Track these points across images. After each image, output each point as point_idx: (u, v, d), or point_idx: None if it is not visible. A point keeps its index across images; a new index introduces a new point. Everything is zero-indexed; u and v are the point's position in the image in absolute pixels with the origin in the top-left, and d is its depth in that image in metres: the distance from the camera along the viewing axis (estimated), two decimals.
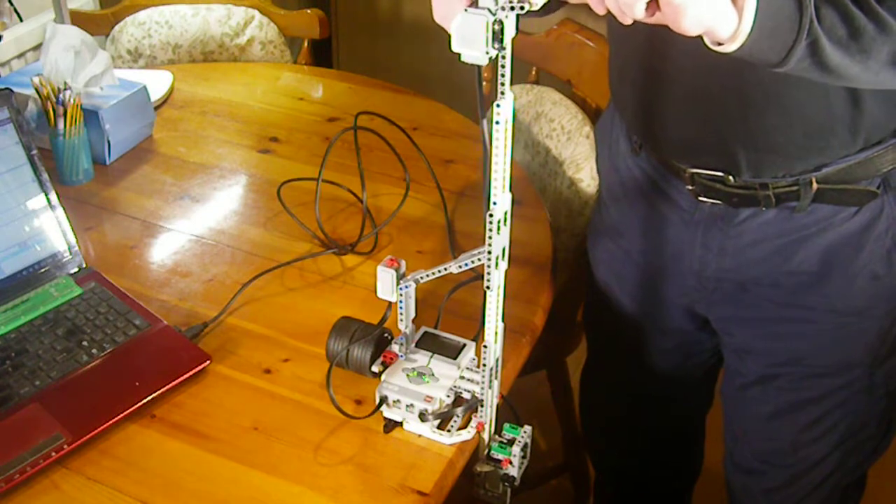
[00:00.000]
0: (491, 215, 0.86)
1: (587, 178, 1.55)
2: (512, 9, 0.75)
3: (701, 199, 1.10)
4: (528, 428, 1.01)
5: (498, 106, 0.81)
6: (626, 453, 1.56)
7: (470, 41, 0.75)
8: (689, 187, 1.10)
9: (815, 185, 1.03)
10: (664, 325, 1.29)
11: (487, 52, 0.75)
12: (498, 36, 0.75)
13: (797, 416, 1.19)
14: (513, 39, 0.77)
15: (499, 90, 0.81)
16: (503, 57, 0.78)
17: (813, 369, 1.15)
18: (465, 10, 0.74)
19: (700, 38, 0.82)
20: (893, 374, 1.15)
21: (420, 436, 1.00)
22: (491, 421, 0.99)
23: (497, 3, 0.74)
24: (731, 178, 1.06)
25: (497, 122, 0.81)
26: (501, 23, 0.75)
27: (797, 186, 1.04)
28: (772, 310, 1.14)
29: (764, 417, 1.22)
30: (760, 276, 1.12)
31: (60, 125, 1.40)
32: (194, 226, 1.36)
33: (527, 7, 0.74)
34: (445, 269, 0.98)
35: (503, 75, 0.79)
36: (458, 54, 0.76)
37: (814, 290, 1.09)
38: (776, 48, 0.82)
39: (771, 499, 1.28)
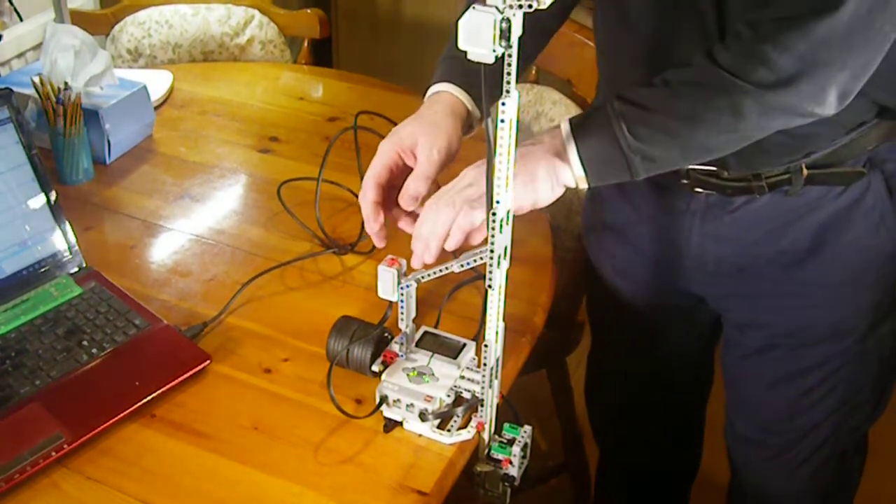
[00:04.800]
0: (494, 214, 0.86)
1: None
2: (520, 7, 0.75)
3: (696, 190, 1.12)
4: (528, 428, 1.01)
5: (503, 104, 0.81)
6: (630, 437, 1.57)
7: (477, 39, 0.75)
8: (684, 181, 1.12)
9: (805, 171, 1.06)
10: (665, 304, 1.31)
11: (494, 50, 0.75)
12: (505, 34, 0.75)
13: (795, 384, 1.21)
14: (519, 38, 0.77)
15: (504, 89, 0.80)
16: (509, 55, 0.78)
17: (809, 339, 1.18)
18: (473, 7, 0.74)
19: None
20: (885, 340, 1.18)
21: (420, 435, 1.00)
22: (491, 421, 0.99)
23: (505, 2, 0.74)
24: (724, 172, 1.09)
25: (502, 121, 0.81)
26: (509, 21, 0.75)
27: (789, 174, 1.07)
28: (768, 286, 1.16)
29: (763, 386, 1.25)
30: (757, 256, 1.14)
31: (60, 125, 1.40)
32: (194, 226, 1.36)
33: (535, 5, 0.74)
34: (447, 269, 0.98)
35: (509, 73, 0.79)
36: (463, 52, 0.76)
37: (807, 264, 1.12)
38: (622, 175, 0.98)
39: (770, 466, 1.31)
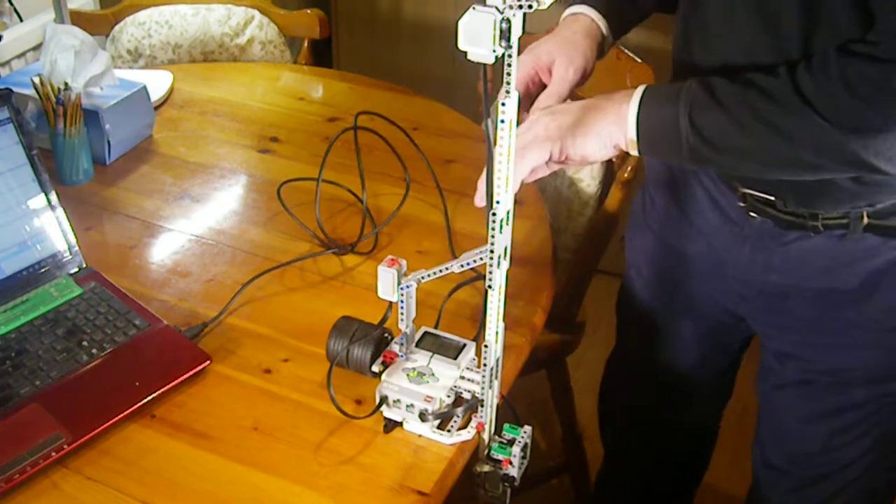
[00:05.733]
0: (494, 214, 0.86)
1: (587, 178, 1.55)
2: (520, 7, 0.74)
3: (751, 214, 1.11)
4: (528, 428, 1.01)
5: (503, 105, 0.81)
6: (638, 443, 1.56)
7: (477, 39, 0.75)
8: (741, 203, 1.11)
9: (865, 220, 1.04)
10: (699, 315, 1.30)
11: (494, 51, 0.75)
12: (505, 34, 0.75)
13: (830, 421, 1.19)
14: (519, 38, 0.77)
15: (504, 89, 0.80)
16: (510, 56, 0.78)
17: (849, 379, 1.16)
18: (474, 7, 0.74)
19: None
20: None
21: (420, 436, 1.00)
22: (491, 421, 0.99)
23: (505, 2, 0.74)
24: (782, 203, 1.07)
25: (502, 122, 0.81)
26: (509, 21, 0.75)
27: (847, 219, 1.04)
28: (812, 321, 1.14)
29: (798, 419, 1.23)
30: (804, 290, 1.12)
31: (60, 125, 1.40)
32: (194, 226, 1.36)
33: (535, 6, 0.74)
34: (447, 269, 0.98)
35: (509, 74, 0.79)
36: (463, 52, 0.76)
37: (857, 306, 1.10)
38: (672, 154, 0.98)
39: (798, 496, 1.29)
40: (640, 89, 0.99)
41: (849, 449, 1.20)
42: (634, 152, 1.00)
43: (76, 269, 1.23)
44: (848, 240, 1.06)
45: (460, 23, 0.75)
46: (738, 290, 1.19)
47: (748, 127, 0.93)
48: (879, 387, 1.15)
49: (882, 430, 1.18)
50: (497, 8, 0.74)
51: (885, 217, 1.03)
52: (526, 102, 1.11)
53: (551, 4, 0.75)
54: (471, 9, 0.74)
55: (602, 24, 1.14)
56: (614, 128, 0.99)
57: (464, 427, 1.00)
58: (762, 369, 1.29)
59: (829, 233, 1.06)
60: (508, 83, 0.80)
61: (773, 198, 1.07)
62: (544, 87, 1.10)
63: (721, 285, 1.21)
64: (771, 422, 1.30)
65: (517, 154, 1.00)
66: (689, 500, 1.66)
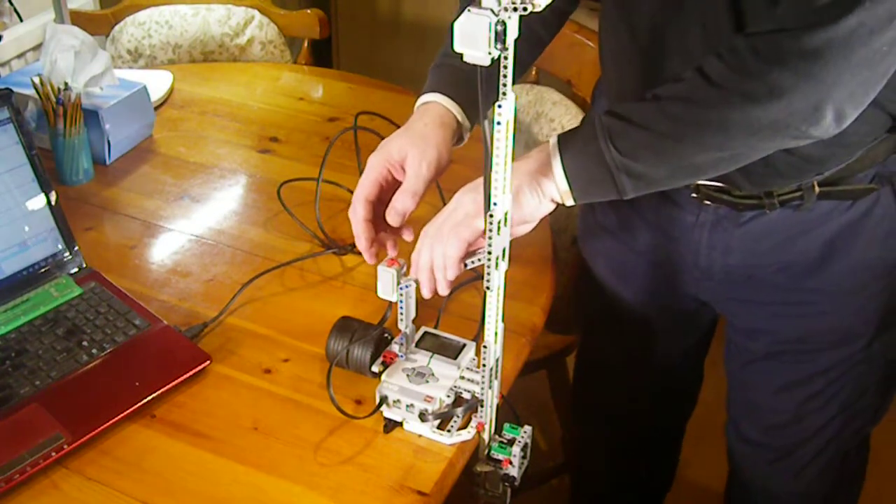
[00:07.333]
0: (491, 216, 0.86)
1: None
2: (515, 9, 0.74)
3: (706, 202, 1.11)
4: (528, 428, 1.01)
5: (499, 106, 0.81)
6: (616, 442, 1.56)
7: (472, 41, 0.75)
8: (694, 195, 1.11)
9: (817, 189, 1.05)
10: (666, 308, 1.31)
11: (490, 53, 0.75)
12: (500, 36, 0.75)
13: (801, 389, 1.22)
14: (516, 40, 0.77)
15: (500, 91, 0.81)
16: (505, 58, 0.78)
17: (817, 345, 1.18)
18: (469, 9, 0.74)
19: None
20: (891, 344, 1.18)
21: (420, 436, 1.00)
22: (491, 421, 0.99)
23: (500, 4, 0.74)
24: (736, 189, 1.08)
25: (498, 123, 0.81)
26: (504, 23, 0.75)
27: (801, 191, 1.06)
28: (777, 294, 1.16)
29: (769, 391, 1.25)
30: (766, 266, 1.14)
31: (60, 125, 1.40)
32: (194, 226, 1.36)
33: (530, 8, 0.74)
34: None
35: (505, 76, 0.79)
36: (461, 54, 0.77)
37: (817, 274, 1.12)
38: (608, 192, 0.96)
39: (775, 468, 1.31)
40: (553, 140, 0.99)
41: (819, 415, 1.23)
42: (570, 202, 0.99)
43: (76, 269, 1.23)
44: (802, 210, 1.07)
45: (456, 25, 0.75)
46: (700, 277, 1.20)
47: (674, 135, 0.92)
48: (844, 349, 1.17)
49: (849, 392, 1.21)
50: (492, 10, 0.74)
51: (834, 183, 1.05)
52: (378, 205, 1.09)
53: (546, 7, 0.75)
54: (466, 10, 0.74)
55: (456, 111, 1.11)
56: (545, 184, 0.98)
57: (464, 427, 1.00)
58: (729, 349, 1.30)
59: (784, 207, 1.07)
60: (505, 85, 0.80)
61: (725, 185, 1.07)
62: (399, 184, 1.08)
63: (683, 276, 1.22)
64: (742, 397, 1.32)
65: (453, 244, 0.99)
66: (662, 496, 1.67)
